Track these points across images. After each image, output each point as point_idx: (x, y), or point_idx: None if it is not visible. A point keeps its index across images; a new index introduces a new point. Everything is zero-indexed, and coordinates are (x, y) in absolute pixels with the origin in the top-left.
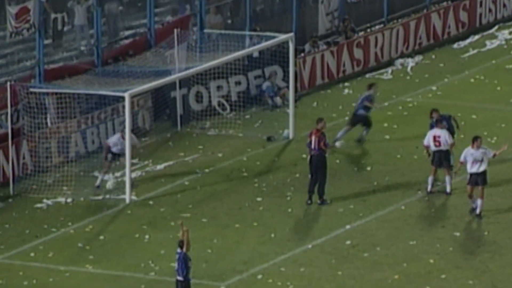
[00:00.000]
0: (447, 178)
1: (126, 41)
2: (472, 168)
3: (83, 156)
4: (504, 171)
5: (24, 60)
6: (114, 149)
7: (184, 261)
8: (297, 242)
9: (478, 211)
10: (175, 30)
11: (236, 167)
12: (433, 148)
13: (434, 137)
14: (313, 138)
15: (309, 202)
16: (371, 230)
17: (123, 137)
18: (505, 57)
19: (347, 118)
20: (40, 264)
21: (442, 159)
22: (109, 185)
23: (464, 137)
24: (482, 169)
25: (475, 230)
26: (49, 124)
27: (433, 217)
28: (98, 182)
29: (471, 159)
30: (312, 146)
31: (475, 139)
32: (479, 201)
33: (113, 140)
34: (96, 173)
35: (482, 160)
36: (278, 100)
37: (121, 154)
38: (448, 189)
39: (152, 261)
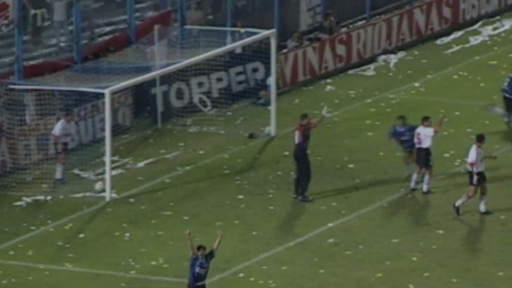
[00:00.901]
0: (426, 178)
1: (106, 37)
2: (480, 168)
3: None
4: (487, 170)
5: (3, 56)
6: (59, 135)
7: (190, 265)
8: (279, 240)
9: (486, 208)
10: (155, 26)
11: (218, 165)
12: (416, 145)
13: (417, 135)
14: (296, 133)
15: (294, 196)
16: (354, 228)
17: (66, 121)
18: (488, 53)
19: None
20: (20, 263)
21: (421, 157)
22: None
23: (447, 134)
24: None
25: (458, 228)
26: (28, 121)
27: (417, 215)
28: (59, 175)
29: (480, 158)
30: (296, 141)
31: (482, 137)
32: (485, 198)
33: (58, 128)
34: (76, 171)
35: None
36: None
37: (63, 147)
38: (425, 188)
39: (132, 260)
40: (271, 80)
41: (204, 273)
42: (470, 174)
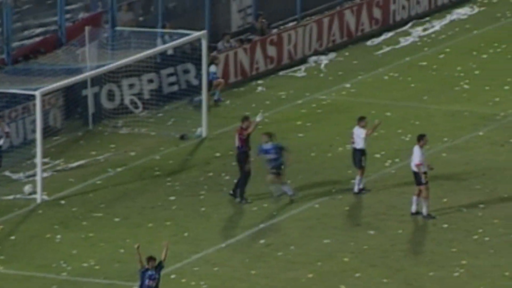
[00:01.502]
0: (357, 178)
1: (37, 39)
2: (425, 167)
3: None
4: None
5: None
6: None
7: (140, 278)
8: (211, 241)
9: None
10: (86, 28)
11: (149, 166)
12: (351, 145)
13: (352, 134)
14: (236, 136)
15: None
16: (285, 229)
17: None
18: (418, 54)
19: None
20: None
21: (355, 157)
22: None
23: (378, 135)
24: None
25: (389, 228)
26: None
27: (347, 216)
28: None
29: (423, 157)
30: (236, 144)
31: (423, 137)
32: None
33: None
34: (7, 173)
35: None
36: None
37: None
38: (355, 189)
39: (64, 261)
40: (211, 70)
41: (154, 285)
42: (416, 174)
